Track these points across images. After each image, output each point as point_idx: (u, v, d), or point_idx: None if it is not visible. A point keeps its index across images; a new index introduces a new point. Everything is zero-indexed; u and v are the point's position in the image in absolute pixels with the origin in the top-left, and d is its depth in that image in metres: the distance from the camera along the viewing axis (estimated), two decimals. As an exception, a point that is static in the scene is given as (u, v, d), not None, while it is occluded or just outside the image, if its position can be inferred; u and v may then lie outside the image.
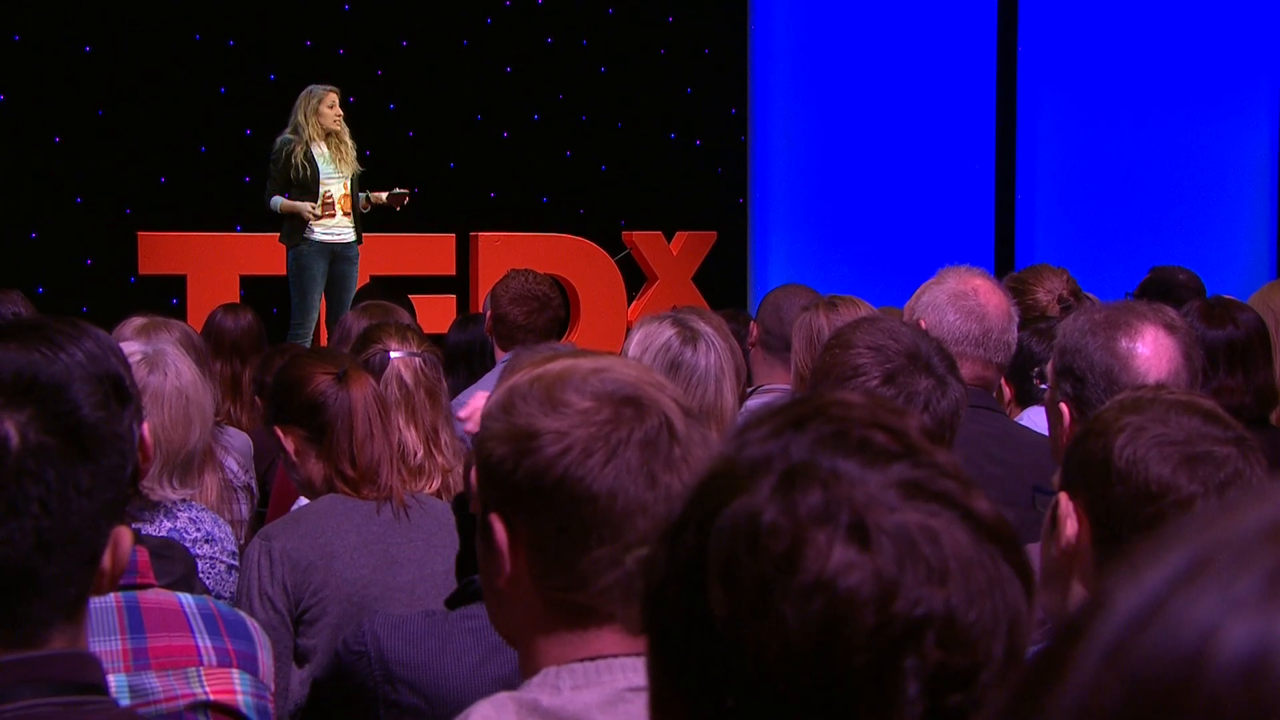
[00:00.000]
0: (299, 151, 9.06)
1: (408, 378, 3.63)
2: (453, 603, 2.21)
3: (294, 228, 9.14)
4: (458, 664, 2.08)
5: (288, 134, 9.17)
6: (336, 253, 9.24)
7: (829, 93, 13.08)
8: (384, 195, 9.45)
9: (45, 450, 1.34)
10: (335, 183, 9.21)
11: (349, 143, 9.25)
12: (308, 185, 9.08)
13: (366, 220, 9.52)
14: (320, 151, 9.16)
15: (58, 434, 1.35)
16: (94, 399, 1.38)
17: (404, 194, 9.48)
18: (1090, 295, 4.78)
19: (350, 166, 9.23)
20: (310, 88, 9.26)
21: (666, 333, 3.19)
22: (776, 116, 13.24)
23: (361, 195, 9.36)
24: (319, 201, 9.11)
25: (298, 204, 9.09)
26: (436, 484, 3.41)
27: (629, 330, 3.43)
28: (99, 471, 1.37)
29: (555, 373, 1.54)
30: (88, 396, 1.38)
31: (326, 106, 9.17)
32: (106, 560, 1.42)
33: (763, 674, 0.94)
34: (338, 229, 9.22)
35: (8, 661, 1.36)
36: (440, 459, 3.50)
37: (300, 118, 9.15)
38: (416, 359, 3.71)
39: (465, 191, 11.91)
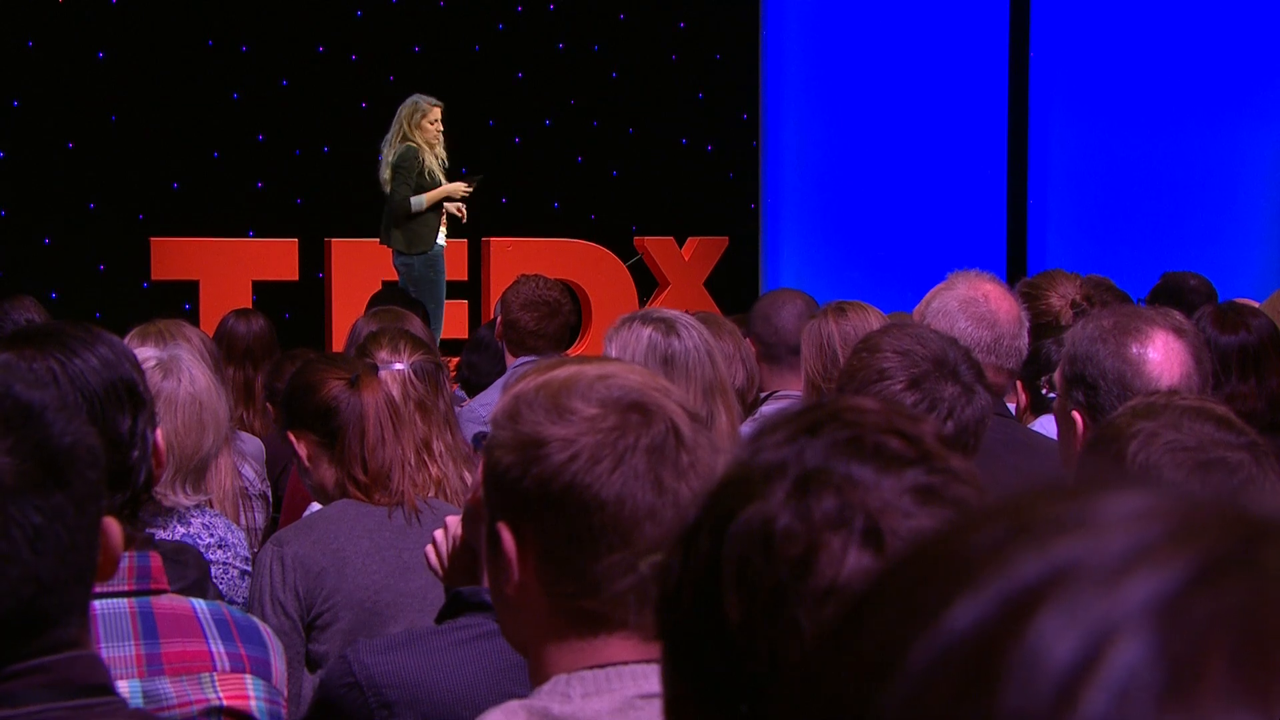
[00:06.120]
0: (428, 160, 9.12)
1: (395, 392, 3.58)
2: (440, 619, 2.19)
3: (425, 232, 9.16)
4: (449, 675, 2.07)
5: (401, 143, 9.18)
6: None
7: (841, 98, 13.08)
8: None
9: (26, 475, 1.31)
10: None
11: (443, 156, 9.30)
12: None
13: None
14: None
15: (34, 462, 1.32)
16: (68, 423, 1.35)
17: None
18: (1112, 291, 4.75)
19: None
20: (416, 99, 9.28)
21: (644, 332, 3.17)
22: (788, 122, 13.24)
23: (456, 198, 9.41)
24: (442, 213, 9.24)
25: (449, 185, 9.21)
26: (431, 494, 3.40)
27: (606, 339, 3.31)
28: (75, 495, 1.34)
29: (561, 380, 1.54)
30: (64, 422, 1.34)
31: (429, 121, 9.21)
32: (99, 554, 1.42)
33: (777, 679, 0.94)
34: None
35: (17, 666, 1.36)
36: (434, 469, 3.47)
37: (406, 128, 9.17)
38: (403, 371, 3.66)
39: (477, 197, 11.91)
